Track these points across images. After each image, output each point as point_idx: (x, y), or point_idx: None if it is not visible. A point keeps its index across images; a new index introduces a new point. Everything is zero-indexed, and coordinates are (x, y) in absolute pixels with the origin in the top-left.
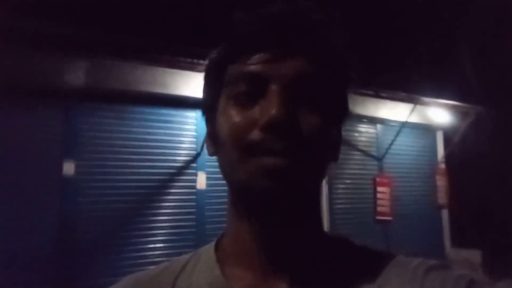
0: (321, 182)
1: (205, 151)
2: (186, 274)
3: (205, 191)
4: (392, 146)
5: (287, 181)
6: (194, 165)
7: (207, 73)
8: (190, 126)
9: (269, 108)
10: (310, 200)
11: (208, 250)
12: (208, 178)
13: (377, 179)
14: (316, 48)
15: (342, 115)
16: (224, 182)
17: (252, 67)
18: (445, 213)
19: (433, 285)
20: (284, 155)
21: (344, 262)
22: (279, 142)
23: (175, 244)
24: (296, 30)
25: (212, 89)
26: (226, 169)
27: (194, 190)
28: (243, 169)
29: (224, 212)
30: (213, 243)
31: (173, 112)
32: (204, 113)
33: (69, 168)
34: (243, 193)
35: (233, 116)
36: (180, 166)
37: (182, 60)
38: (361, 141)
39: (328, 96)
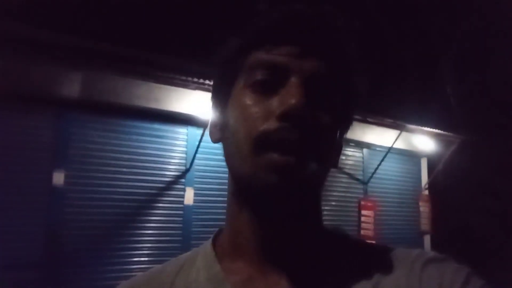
0: (323, 182)
1: (194, 167)
2: (184, 273)
3: (193, 206)
4: (378, 171)
5: (294, 179)
6: (182, 180)
7: (225, 57)
8: (181, 142)
9: (289, 98)
10: (313, 198)
11: (205, 247)
12: (196, 194)
13: (362, 203)
14: (337, 52)
15: (347, 124)
16: (211, 199)
17: (276, 57)
18: (427, 239)
19: (431, 277)
20: (294, 152)
21: (342, 256)
22: (293, 132)
23: (160, 258)
24: (320, 30)
25: (228, 74)
26: (233, 159)
27: (181, 206)
28: (251, 163)
29: (211, 229)
30: (210, 240)
31: (164, 127)
32: (213, 98)
33: (58, 178)
34: (247, 186)
35: (250, 105)
36: (169, 181)
37: (177, 77)
38: (347, 164)
39: (339, 101)
